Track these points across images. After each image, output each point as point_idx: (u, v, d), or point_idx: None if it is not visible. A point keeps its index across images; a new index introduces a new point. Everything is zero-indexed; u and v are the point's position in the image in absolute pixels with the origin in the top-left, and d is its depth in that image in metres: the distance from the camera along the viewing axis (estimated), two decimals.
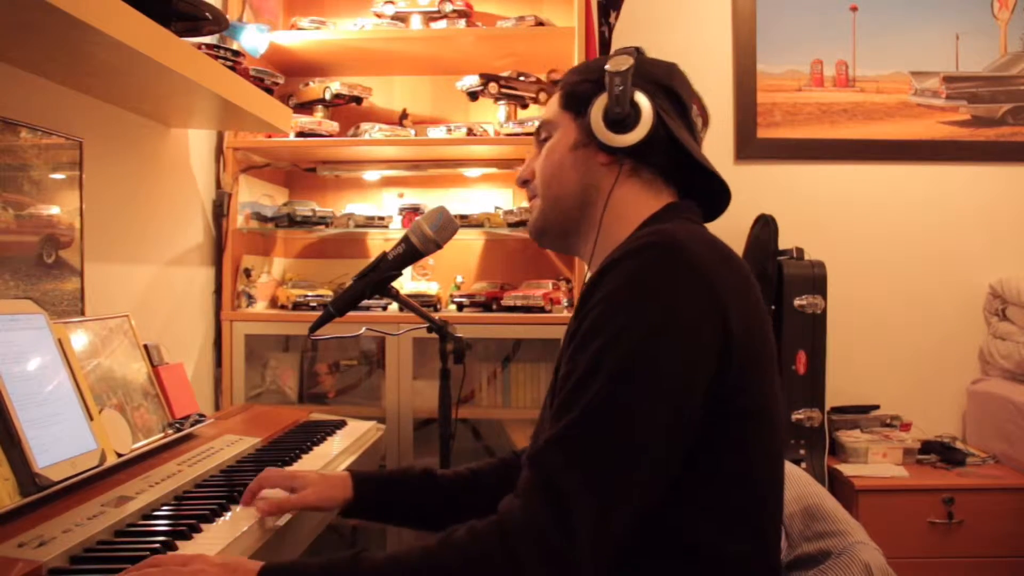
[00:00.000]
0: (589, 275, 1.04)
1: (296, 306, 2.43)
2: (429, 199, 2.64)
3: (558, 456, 0.86)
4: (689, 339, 0.89)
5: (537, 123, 1.19)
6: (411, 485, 1.25)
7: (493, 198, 2.72)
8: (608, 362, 0.88)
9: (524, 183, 1.20)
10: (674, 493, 0.90)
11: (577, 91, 1.13)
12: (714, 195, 1.12)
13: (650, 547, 0.90)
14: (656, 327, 0.88)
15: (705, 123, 1.16)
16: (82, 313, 1.62)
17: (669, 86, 1.10)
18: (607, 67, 1.05)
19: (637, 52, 1.09)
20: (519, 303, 2.38)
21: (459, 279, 2.58)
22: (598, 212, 1.09)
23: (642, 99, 1.06)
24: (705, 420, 0.89)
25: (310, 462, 1.50)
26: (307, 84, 2.61)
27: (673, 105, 1.10)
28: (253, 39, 2.10)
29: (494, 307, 2.42)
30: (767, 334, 0.98)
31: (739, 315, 0.91)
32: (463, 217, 2.46)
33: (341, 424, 1.84)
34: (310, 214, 2.50)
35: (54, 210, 1.57)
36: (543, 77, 2.61)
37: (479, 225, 2.47)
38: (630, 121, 1.05)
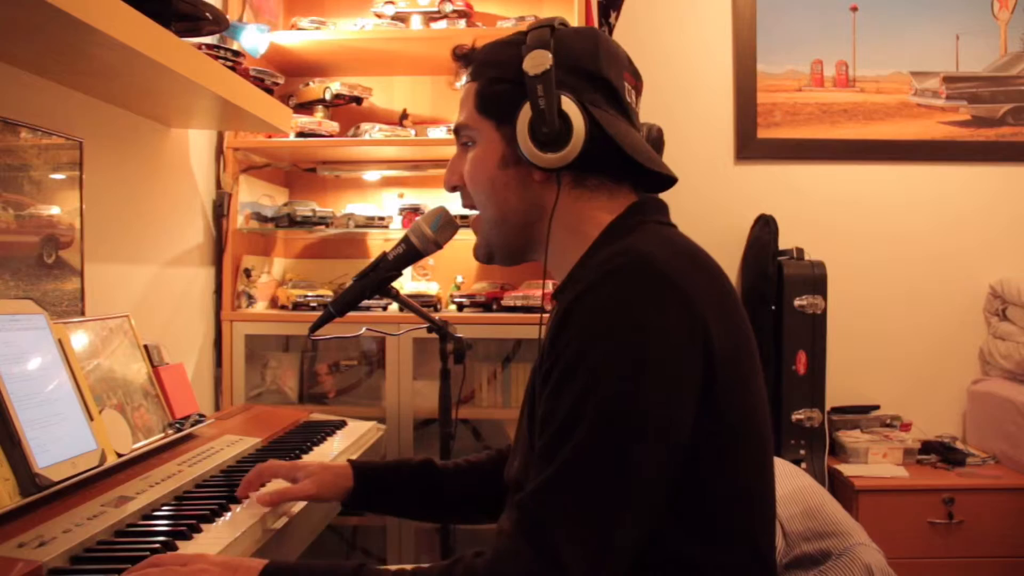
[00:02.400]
0: (555, 305, 0.99)
1: (296, 306, 2.43)
2: (429, 199, 2.64)
3: (546, 509, 0.83)
4: (673, 369, 0.84)
5: (454, 124, 1.07)
6: (411, 474, 1.25)
7: None
8: (590, 406, 0.83)
9: (454, 188, 1.09)
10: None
11: (493, 94, 1.01)
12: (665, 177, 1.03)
13: (639, 562, 0.87)
14: (637, 362, 0.83)
15: (639, 91, 1.04)
16: (82, 313, 1.62)
17: (596, 72, 0.98)
18: (525, 68, 0.95)
19: (552, 32, 0.97)
20: (519, 303, 2.38)
21: (459, 279, 2.58)
22: (545, 230, 1.01)
23: (570, 106, 0.95)
24: (692, 437, 0.86)
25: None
26: (307, 84, 2.61)
27: (604, 94, 0.99)
28: (253, 39, 2.10)
29: (494, 307, 2.42)
30: (749, 341, 0.94)
31: (720, 328, 0.87)
32: (463, 217, 2.44)
33: (341, 424, 1.84)
34: (310, 214, 2.49)
35: (54, 210, 1.57)
36: None
37: None
38: (561, 137, 0.94)
